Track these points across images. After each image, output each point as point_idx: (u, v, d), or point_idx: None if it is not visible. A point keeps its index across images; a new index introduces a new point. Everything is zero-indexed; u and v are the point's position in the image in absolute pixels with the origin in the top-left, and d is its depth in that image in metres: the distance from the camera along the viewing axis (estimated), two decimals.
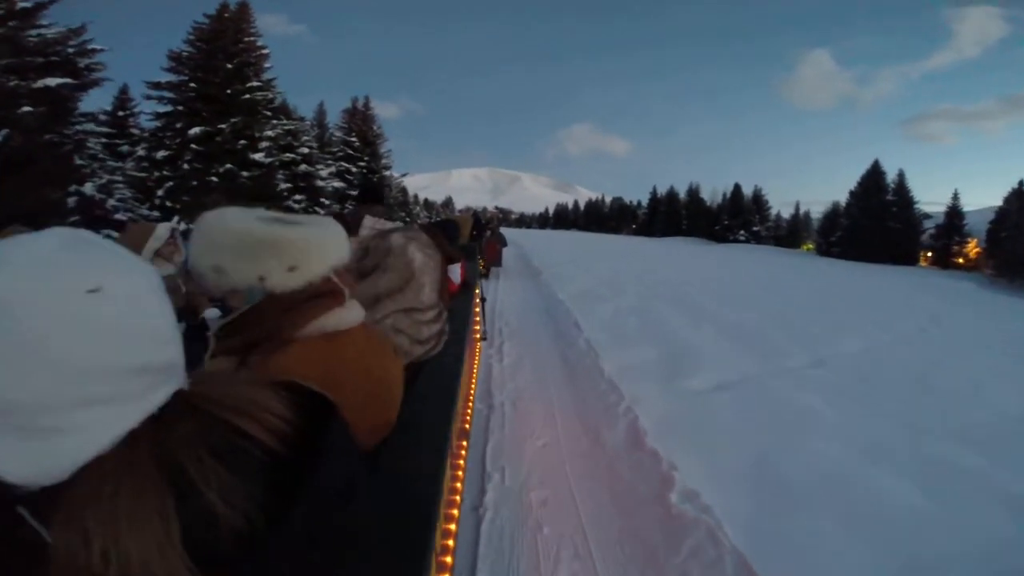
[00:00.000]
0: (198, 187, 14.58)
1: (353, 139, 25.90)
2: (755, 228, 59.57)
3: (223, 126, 14.99)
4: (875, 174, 43.94)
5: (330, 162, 24.71)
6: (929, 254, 43.79)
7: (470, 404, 2.15)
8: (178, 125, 15.44)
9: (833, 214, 48.18)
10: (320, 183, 20.62)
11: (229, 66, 15.83)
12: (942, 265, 40.96)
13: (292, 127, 20.31)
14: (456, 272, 2.63)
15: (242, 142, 15.11)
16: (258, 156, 15.41)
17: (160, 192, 14.74)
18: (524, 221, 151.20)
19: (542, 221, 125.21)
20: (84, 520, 0.42)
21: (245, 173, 15.09)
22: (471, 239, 8.12)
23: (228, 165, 14.60)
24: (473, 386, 2.63)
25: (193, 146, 14.60)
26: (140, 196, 14.16)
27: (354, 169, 25.02)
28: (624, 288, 9.63)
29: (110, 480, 0.44)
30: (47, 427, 0.42)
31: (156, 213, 14.72)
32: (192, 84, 15.84)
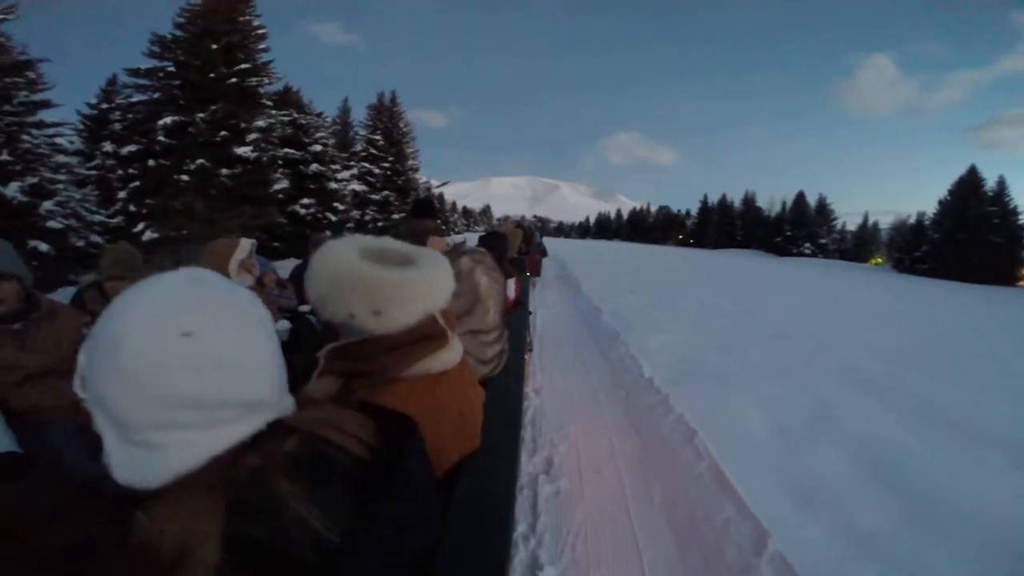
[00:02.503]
0: (167, 187, 11.77)
1: (377, 138, 23.03)
2: (822, 240, 53.82)
3: (201, 115, 12.14)
4: (971, 181, 38.23)
5: (352, 163, 21.95)
6: None
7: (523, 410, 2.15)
8: (159, 118, 12.73)
9: (917, 226, 42.61)
10: (334, 185, 17.72)
11: (215, 47, 13.01)
12: None
13: (303, 121, 17.54)
14: (511, 288, 2.72)
15: (223, 133, 12.22)
16: (243, 150, 12.49)
17: (123, 194, 12.03)
18: (563, 230, 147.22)
19: (582, 230, 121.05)
20: (166, 522, 0.49)
21: (225, 171, 12.18)
22: (520, 253, 7.59)
23: (200, 160, 11.69)
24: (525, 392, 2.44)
25: (161, 139, 11.80)
26: (93, 199, 11.44)
27: (376, 171, 22.12)
28: (746, 351, 5.92)
29: (188, 495, 0.51)
30: (141, 441, 0.51)
31: (116, 220, 12.03)
32: (171, 69, 13.11)
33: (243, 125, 12.73)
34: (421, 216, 2.96)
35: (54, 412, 1.74)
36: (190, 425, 0.52)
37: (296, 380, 0.77)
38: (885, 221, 60.55)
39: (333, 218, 17.30)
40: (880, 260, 56.29)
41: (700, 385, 4.44)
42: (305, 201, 16.58)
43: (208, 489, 0.52)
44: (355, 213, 20.57)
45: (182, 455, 0.52)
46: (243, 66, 13.40)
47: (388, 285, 0.86)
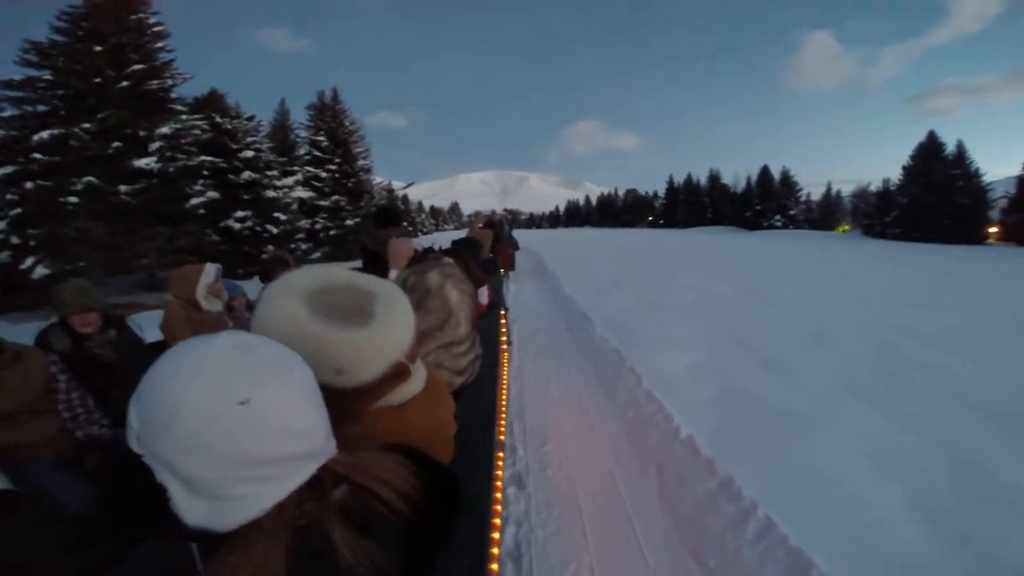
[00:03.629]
0: (53, 212, 9.66)
1: (321, 139, 20.89)
2: (791, 212, 53.56)
3: (87, 125, 10.04)
4: (932, 147, 38.13)
5: (295, 168, 19.84)
6: (992, 230, 37.63)
7: (503, 414, 2.01)
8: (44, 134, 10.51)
9: (884, 192, 42.51)
10: (272, 193, 15.66)
11: (98, 48, 10.88)
12: (1019, 242, 35.07)
13: (229, 126, 15.39)
14: (483, 294, 2.71)
15: (116, 144, 10.14)
16: (145, 162, 10.44)
17: (2, 224, 9.87)
18: (534, 221, 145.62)
19: (552, 220, 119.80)
20: (234, 565, 0.53)
21: (124, 187, 10.13)
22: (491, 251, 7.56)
23: (88, 178, 9.61)
24: (504, 394, 2.26)
25: (37, 155, 9.68)
26: None
27: (323, 174, 20.01)
28: (796, 364, 4.35)
29: (259, 540, 0.55)
30: (209, 495, 0.55)
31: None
32: (49, 77, 10.96)
33: (142, 133, 10.66)
34: (385, 225, 2.93)
35: (33, 449, 1.80)
36: (254, 480, 0.55)
37: None
38: (846, 189, 61.52)
39: (275, 230, 15.29)
40: (847, 227, 56.84)
41: (773, 446, 2.88)
42: (239, 214, 14.54)
43: (274, 533, 0.55)
44: (304, 222, 18.53)
45: (250, 505, 0.56)
46: (136, 67, 11.28)
47: (348, 346, 0.78)
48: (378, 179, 24.33)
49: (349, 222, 19.56)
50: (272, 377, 0.57)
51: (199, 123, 12.72)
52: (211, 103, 15.77)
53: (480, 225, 12.39)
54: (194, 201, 11.63)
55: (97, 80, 10.72)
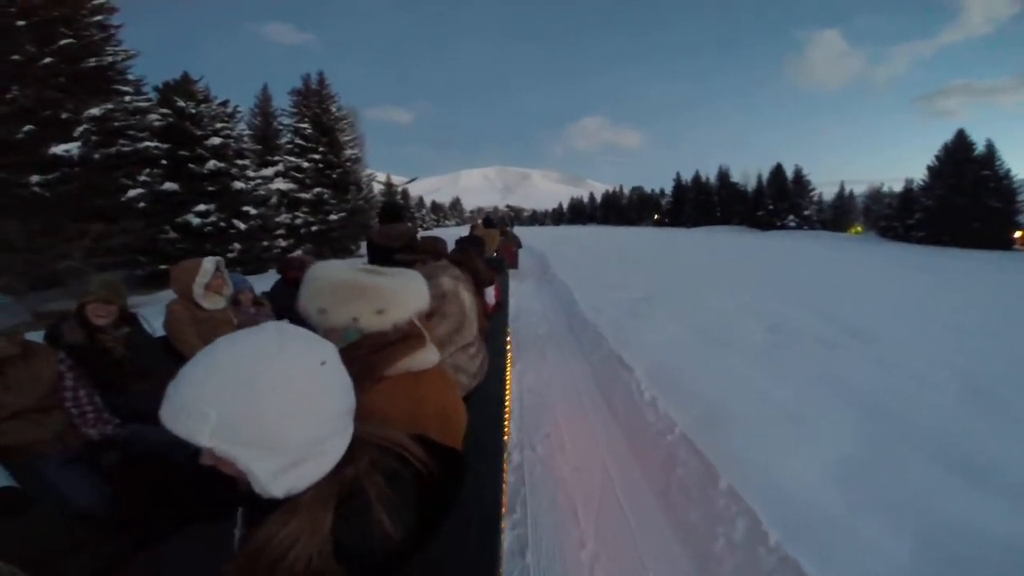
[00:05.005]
0: None
1: (305, 126, 18.90)
2: (806, 212, 51.41)
3: None
4: (961, 146, 36.05)
5: (275, 159, 17.90)
6: (1017, 235, 35.47)
7: (507, 412, 1.97)
8: None
9: (906, 193, 40.37)
10: (239, 184, 13.67)
11: (21, 23, 8.95)
12: None
13: (193, 110, 13.40)
14: (491, 294, 2.73)
15: (27, 128, 8.20)
16: (65, 148, 8.49)
17: None
18: (536, 218, 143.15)
19: (556, 217, 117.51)
20: (292, 523, 0.58)
21: (36, 178, 8.18)
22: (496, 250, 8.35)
23: None
24: (508, 393, 2.29)
25: None
26: None
27: (305, 164, 18.01)
28: (1012, 477, 2.49)
29: (312, 501, 0.60)
30: (303, 457, 0.60)
31: None
32: None
33: (64, 116, 8.71)
34: (392, 220, 3.01)
35: (41, 446, 1.76)
36: (336, 432, 0.63)
37: None
38: (857, 190, 60.12)
39: (242, 226, 13.32)
40: (860, 229, 55.17)
41: None
42: (201, 207, 12.58)
43: (323, 497, 0.60)
44: (284, 216, 16.59)
45: (327, 460, 0.62)
46: (64, 43, 9.29)
47: (387, 289, 1.00)
48: (369, 171, 22.35)
49: (333, 216, 17.61)
50: (327, 344, 0.67)
51: (143, 105, 10.74)
52: (181, 88, 13.81)
53: (479, 222, 11.17)
54: (131, 193, 9.66)
55: (15, 58, 8.76)
